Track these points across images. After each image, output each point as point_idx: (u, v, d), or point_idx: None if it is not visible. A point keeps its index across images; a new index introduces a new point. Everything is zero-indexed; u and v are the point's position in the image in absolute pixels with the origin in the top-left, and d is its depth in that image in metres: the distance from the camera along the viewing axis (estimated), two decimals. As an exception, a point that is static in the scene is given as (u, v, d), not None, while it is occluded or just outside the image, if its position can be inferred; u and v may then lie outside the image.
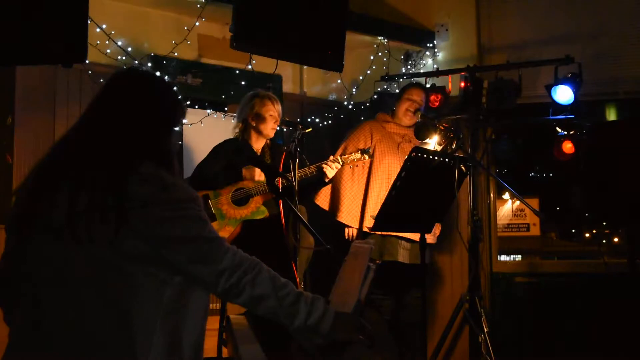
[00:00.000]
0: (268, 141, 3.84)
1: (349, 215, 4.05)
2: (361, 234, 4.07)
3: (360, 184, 4.10)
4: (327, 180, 3.71)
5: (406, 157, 3.06)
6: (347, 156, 3.76)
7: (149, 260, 1.53)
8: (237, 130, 3.80)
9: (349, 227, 4.08)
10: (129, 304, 1.51)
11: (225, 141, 3.79)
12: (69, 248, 1.52)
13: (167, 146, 1.72)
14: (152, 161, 1.63)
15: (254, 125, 3.73)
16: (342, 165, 3.75)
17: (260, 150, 3.80)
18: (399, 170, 3.89)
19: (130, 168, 1.57)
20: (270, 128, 3.73)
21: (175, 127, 1.81)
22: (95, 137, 1.64)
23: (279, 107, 3.77)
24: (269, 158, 3.79)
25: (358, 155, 3.76)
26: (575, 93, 4.26)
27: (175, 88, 2.01)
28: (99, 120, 1.68)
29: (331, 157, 3.74)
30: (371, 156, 3.83)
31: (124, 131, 1.65)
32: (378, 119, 4.32)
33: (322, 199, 4.11)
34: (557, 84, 4.30)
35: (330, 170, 3.67)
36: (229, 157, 3.68)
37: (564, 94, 4.29)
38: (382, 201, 3.16)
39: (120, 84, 1.75)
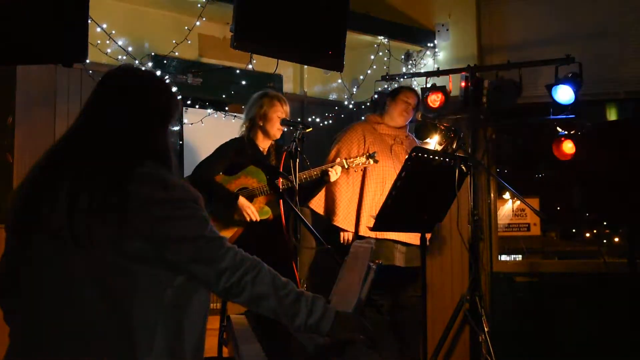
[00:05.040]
0: (274, 142, 3.80)
1: (345, 219, 4.00)
2: (357, 239, 4.04)
3: (355, 188, 4.04)
4: (328, 180, 3.69)
5: (405, 158, 3.05)
6: (352, 160, 3.74)
7: (149, 261, 1.53)
8: (243, 128, 3.74)
9: (344, 231, 4.02)
10: (129, 305, 1.50)
11: (231, 140, 3.73)
12: (69, 248, 1.51)
13: (166, 144, 1.71)
14: (152, 160, 1.63)
15: (261, 125, 3.67)
16: (347, 169, 3.74)
17: (265, 151, 3.75)
18: (392, 173, 3.91)
19: (130, 168, 1.57)
20: (276, 129, 3.67)
21: (173, 123, 1.80)
22: (94, 136, 1.63)
23: (287, 108, 3.71)
24: (274, 159, 3.76)
25: (363, 159, 3.74)
26: (575, 93, 4.26)
27: (173, 86, 2.00)
28: (96, 119, 1.67)
29: (337, 161, 3.72)
30: (376, 161, 3.80)
31: (122, 130, 1.65)
32: (369, 120, 4.25)
33: (317, 203, 4.03)
34: (558, 84, 4.30)
35: (334, 175, 3.66)
36: (232, 158, 3.66)
37: (564, 94, 4.29)
38: (378, 205, 3.15)
39: (114, 82, 1.73)
